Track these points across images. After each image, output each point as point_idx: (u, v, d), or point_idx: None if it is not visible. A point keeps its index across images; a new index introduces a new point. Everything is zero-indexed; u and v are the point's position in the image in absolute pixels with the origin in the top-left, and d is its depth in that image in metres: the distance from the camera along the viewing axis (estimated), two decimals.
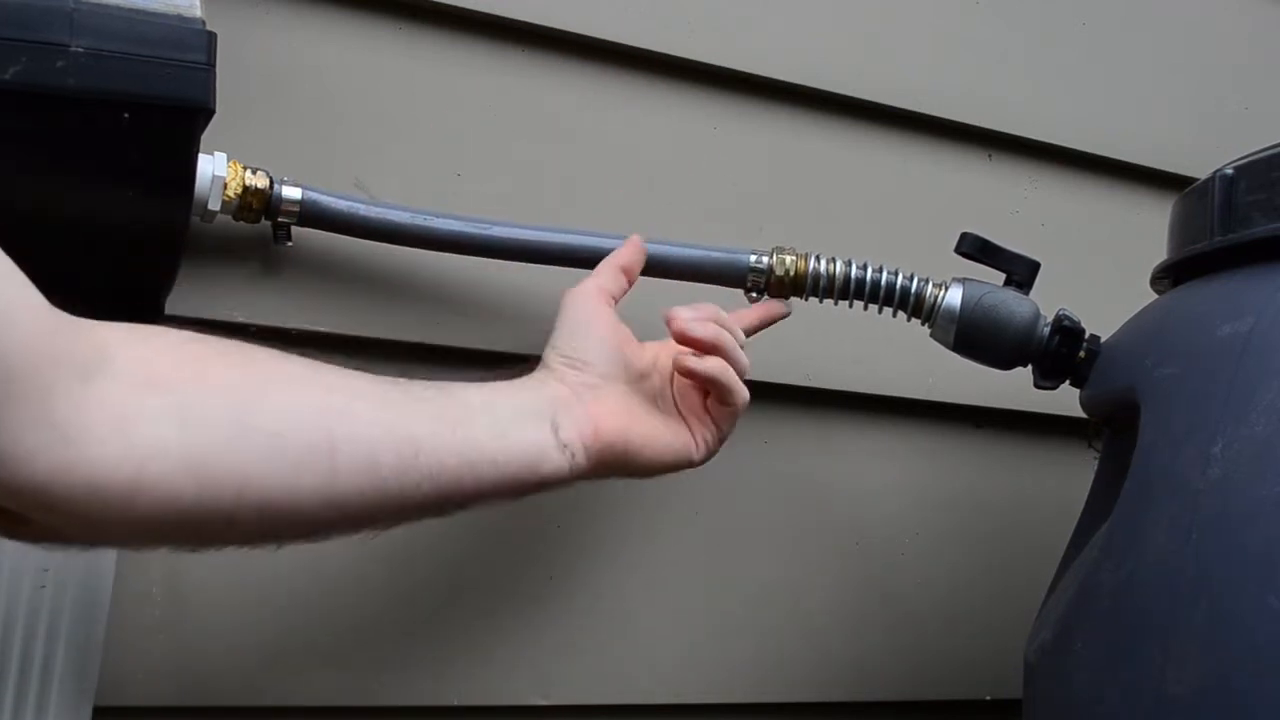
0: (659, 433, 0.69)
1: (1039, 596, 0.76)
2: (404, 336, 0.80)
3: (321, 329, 0.77)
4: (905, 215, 0.95)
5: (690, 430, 0.71)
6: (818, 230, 0.90)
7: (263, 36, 0.76)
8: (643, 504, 0.88)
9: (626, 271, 0.73)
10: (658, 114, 0.87)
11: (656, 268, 0.77)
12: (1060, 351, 0.77)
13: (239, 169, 0.69)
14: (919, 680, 0.97)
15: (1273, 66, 1.08)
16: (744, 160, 0.90)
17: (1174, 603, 0.57)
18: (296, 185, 0.71)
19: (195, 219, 0.69)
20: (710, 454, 0.72)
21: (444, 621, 0.83)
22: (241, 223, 0.71)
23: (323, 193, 0.72)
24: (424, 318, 0.80)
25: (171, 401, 0.52)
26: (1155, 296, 0.76)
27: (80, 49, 0.59)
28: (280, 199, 0.71)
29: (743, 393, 0.71)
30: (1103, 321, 0.78)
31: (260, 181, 0.70)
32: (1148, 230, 0.83)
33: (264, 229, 0.72)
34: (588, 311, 0.70)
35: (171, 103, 0.61)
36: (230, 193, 0.69)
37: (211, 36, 0.62)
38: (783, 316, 0.79)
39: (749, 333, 0.75)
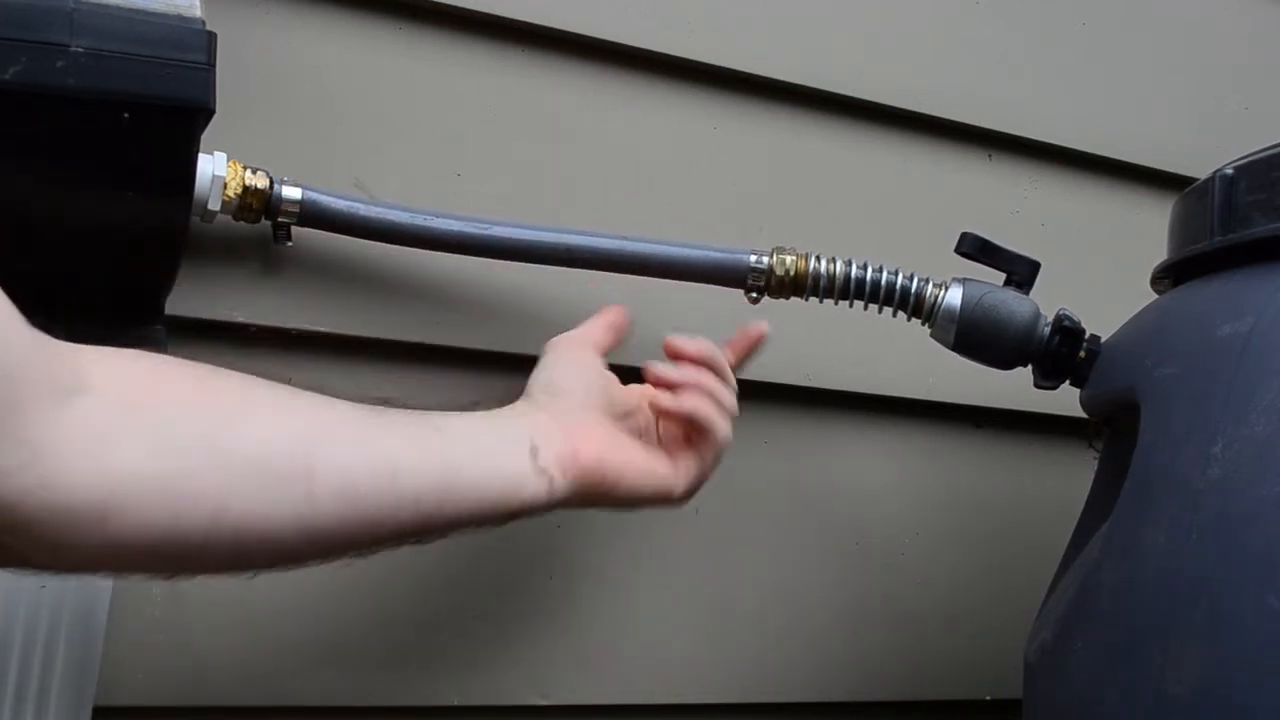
0: (639, 463, 0.68)
1: (1039, 596, 0.76)
2: (404, 336, 0.80)
3: (321, 329, 0.77)
4: (905, 215, 0.95)
5: (673, 464, 0.70)
6: (818, 230, 0.90)
7: (263, 36, 0.76)
8: None
9: (615, 330, 0.74)
10: (658, 114, 0.87)
11: (657, 268, 0.77)
12: (1060, 351, 0.77)
13: (239, 169, 0.69)
14: (919, 680, 0.97)
15: (1273, 66, 1.08)
16: (744, 160, 0.90)
17: (1174, 603, 0.57)
18: (296, 185, 0.71)
19: (195, 219, 0.69)
20: (691, 489, 0.71)
21: (444, 621, 0.83)
22: (241, 223, 0.71)
23: (323, 193, 0.72)
24: (424, 318, 0.80)
25: (147, 425, 0.52)
26: (1155, 296, 0.76)
27: (80, 49, 0.59)
28: (280, 199, 0.71)
29: (723, 430, 0.70)
30: (1103, 321, 0.78)
31: (260, 181, 0.70)
32: (1148, 230, 0.83)
33: (264, 229, 0.72)
34: (573, 351, 0.71)
35: (171, 103, 0.61)
36: (230, 193, 0.69)
37: (211, 36, 0.62)
38: (761, 336, 0.78)
39: (736, 365, 0.75)
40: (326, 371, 0.78)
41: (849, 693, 0.95)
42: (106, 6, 0.60)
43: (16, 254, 0.63)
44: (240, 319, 0.75)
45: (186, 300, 0.72)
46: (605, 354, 0.72)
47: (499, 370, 0.80)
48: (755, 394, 0.84)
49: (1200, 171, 0.70)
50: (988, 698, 0.97)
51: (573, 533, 0.86)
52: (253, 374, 0.57)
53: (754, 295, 0.80)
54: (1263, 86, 1.07)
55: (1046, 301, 0.78)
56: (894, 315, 0.80)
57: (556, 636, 0.86)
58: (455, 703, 0.84)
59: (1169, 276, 0.75)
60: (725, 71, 0.88)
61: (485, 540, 0.84)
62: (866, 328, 0.83)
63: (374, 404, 0.61)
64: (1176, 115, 1.04)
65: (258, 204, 0.70)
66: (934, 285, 0.78)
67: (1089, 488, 0.77)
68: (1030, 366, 0.79)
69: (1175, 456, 0.61)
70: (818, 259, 0.78)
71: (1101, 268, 0.99)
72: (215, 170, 0.68)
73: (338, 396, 0.59)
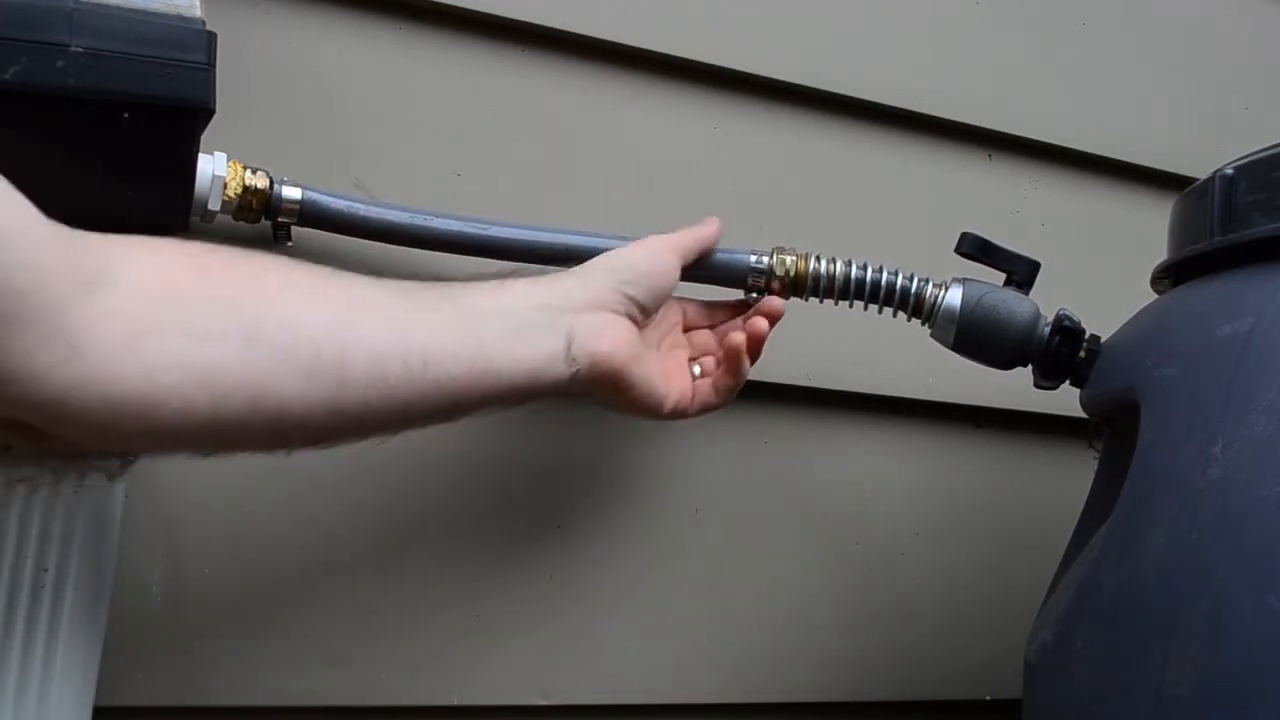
0: (648, 376, 0.71)
1: (1039, 596, 0.76)
2: None
3: None
4: (905, 215, 0.95)
5: (668, 384, 0.73)
6: (818, 230, 0.90)
7: (263, 36, 0.76)
8: (643, 504, 0.88)
9: (704, 244, 0.76)
10: (658, 114, 0.87)
11: None
12: (1060, 351, 0.77)
13: (239, 169, 0.69)
14: (919, 680, 0.97)
15: (1273, 66, 1.08)
16: (744, 160, 0.90)
17: (1174, 603, 0.57)
18: (296, 185, 0.71)
19: (195, 219, 0.69)
20: (674, 414, 0.74)
21: (444, 621, 0.83)
22: (241, 223, 0.71)
23: (322, 193, 0.72)
24: None
25: (182, 315, 0.53)
26: (1155, 296, 0.76)
27: (80, 49, 0.59)
28: (280, 199, 0.71)
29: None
30: (1103, 321, 0.78)
31: (260, 181, 0.70)
32: (1148, 230, 0.83)
33: (264, 229, 0.72)
34: (657, 248, 0.73)
35: (171, 103, 0.61)
36: (230, 193, 0.69)
37: (211, 36, 0.62)
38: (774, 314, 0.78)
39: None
40: None
41: (848, 693, 0.95)
42: (106, 6, 0.60)
43: None
44: None
45: None
46: (685, 261, 0.74)
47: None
48: (755, 394, 0.84)
49: (1200, 171, 0.70)
50: (988, 698, 0.97)
51: (573, 533, 0.86)
52: None
53: (754, 295, 0.80)
54: (1263, 86, 1.07)
55: (1046, 301, 0.78)
56: (894, 315, 0.80)
57: (556, 636, 0.86)
58: (455, 703, 0.84)
59: (1169, 276, 0.75)
60: (725, 71, 0.88)
61: (486, 540, 0.84)
62: (866, 328, 0.83)
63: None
64: (1176, 115, 1.04)
65: (258, 204, 0.70)
66: (934, 285, 0.78)
67: (1089, 488, 0.77)
68: (1030, 366, 0.79)
69: (1175, 456, 0.61)
70: (818, 259, 0.78)
71: (1101, 268, 0.99)
72: (215, 170, 0.68)
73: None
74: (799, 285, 0.78)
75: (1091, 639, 0.64)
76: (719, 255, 0.78)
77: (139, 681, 0.76)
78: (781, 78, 0.89)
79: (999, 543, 0.99)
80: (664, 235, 0.74)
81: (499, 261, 0.75)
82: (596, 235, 0.76)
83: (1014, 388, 0.83)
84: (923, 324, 0.79)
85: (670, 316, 0.77)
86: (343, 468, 0.78)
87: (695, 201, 0.87)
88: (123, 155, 0.62)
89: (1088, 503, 0.76)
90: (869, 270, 0.79)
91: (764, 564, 0.92)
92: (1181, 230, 0.72)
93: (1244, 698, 0.53)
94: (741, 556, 0.91)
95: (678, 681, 0.90)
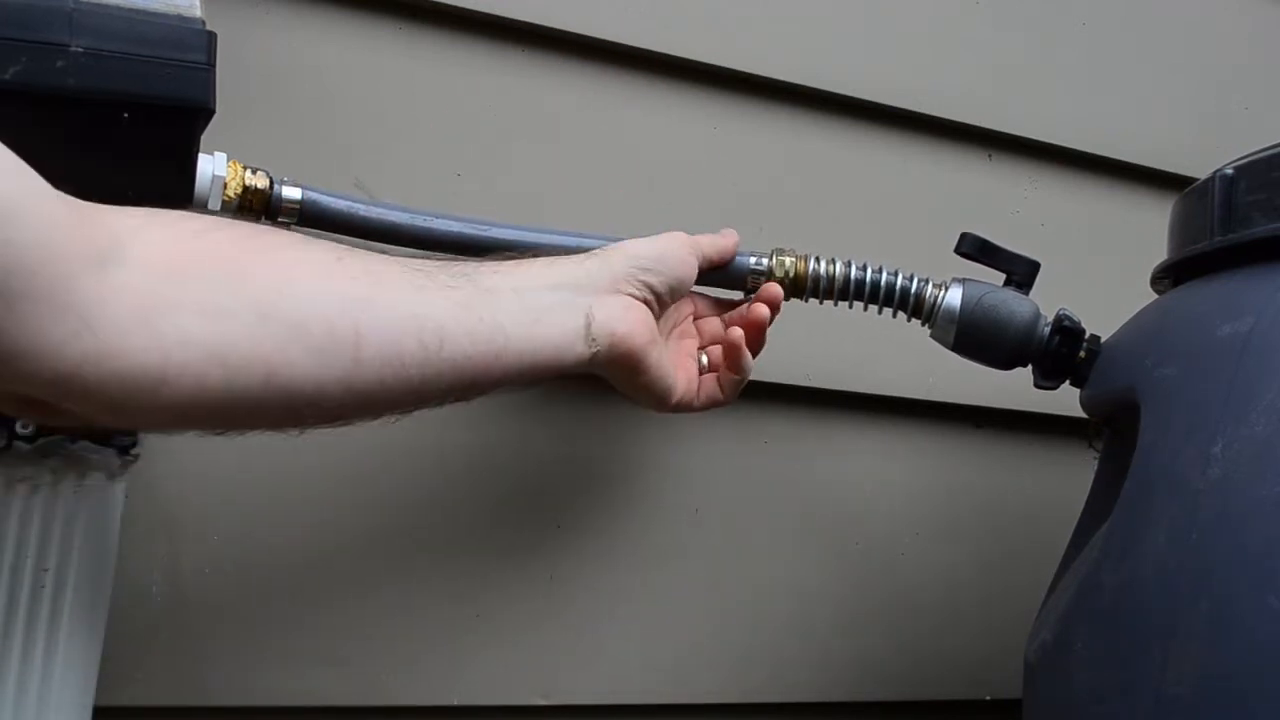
0: (661, 364, 0.71)
1: (1039, 596, 0.76)
2: None
3: None
4: (905, 215, 0.95)
5: (675, 374, 0.73)
6: (818, 230, 0.90)
7: (263, 36, 0.76)
8: (642, 503, 0.88)
9: (722, 254, 0.76)
10: (658, 114, 0.87)
11: None
12: (1060, 351, 0.77)
13: (239, 169, 0.69)
14: (919, 680, 0.97)
15: (1273, 66, 1.08)
16: (744, 160, 0.90)
17: (1174, 603, 0.57)
18: (296, 185, 0.71)
19: None
20: (679, 408, 0.74)
21: (444, 621, 0.83)
22: None
23: (322, 193, 0.72)
24: None
25: (194, 291, 0.52)
26: (1155, 296, 0.76)
27: (80, 49, 0.59)
28: (280, 199, 0.70)
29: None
30: (1103, 321, 0.78)
31: (260, 181, 0.70)
32: (1148, 230, 0.83)
33: None
34: (680, 244, 0.73)
35: (171, 103, 0.61)
36: (230, 193, 0.69)
37: (211, 36, 0.62)
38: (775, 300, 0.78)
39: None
40: None
41: (848, 692, 0.95)
42: (106, 6, 0.60)
43: None
44: None
45: None
46: (703, 264, 0.74)
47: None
48: (755, 394, 0.84)
49: (1200, 171, 0.70)
50: (988, 698, 0.98)
51: (573, 533, 0.86)
52: None
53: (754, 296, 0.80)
54: (1263, 86, 1.07)
55: (1046, 301, 0.78)
56: (894, 316, 0.80)
57: (556, 636, 0.86)
58: (455, 703, 0.84)
59: (1169, 276, 0.75)
60: (725, 71, 0.88)
61: (486, 540, 0.84)
62: (866, 328, 0.83)
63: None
64: (1176, 115, 1.04)
65: (258, 204, 0.70)
66: (934, 285, 0.78)
67: (1089, 488, 0.77)
68: (1030, 366, 0.79)
69: (1175, 456, 0.61)
70: (817, 260, 0.78)
71: (1101, 268, 0.99)
72: (215, 170, 0.68)
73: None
74: (798, 286, 0.78)
75: (1091, 639, 0.64)
76: None
77: (139, 681, 0.76)
78: (781, 78, 0.89)
79: (999, 542, 0.99)
80: (685, 234, 0.74)
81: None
82: (597, 236, 0.76)
83: (1014, 388, 0.83)
84: (922, 324, 0.79)
85: (683, 309, 0.77)
86: (343, 468, 0.78)
87: (695, 201, 0.88)
88: (123, 155, 0.62)
89: (1088, 503, 0.76)
90: (869, 271, 0.79)
91: (764, 564, 0.92)
92: (1181, 230, 0.72)
93: (1244, 698, 0.53)
94: (741, 556, 0.91)
95: (677, 681, 0.90)
